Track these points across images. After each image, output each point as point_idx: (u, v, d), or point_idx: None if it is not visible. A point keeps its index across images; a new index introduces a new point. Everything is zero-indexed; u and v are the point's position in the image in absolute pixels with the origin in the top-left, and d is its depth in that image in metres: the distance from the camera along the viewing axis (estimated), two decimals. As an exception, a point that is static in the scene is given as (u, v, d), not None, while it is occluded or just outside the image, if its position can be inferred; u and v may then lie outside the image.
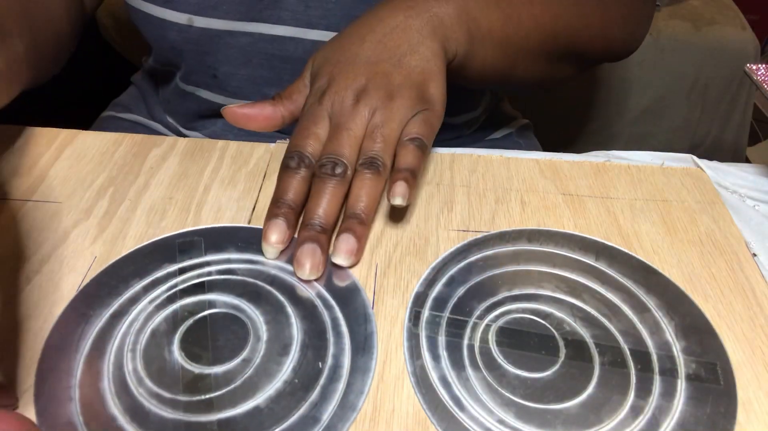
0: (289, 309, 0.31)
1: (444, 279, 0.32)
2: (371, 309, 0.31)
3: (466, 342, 0.30)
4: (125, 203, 0.36)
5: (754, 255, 0.35)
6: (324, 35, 0.47)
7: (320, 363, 0.28)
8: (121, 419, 0.26)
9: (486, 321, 0.31)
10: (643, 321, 0.31)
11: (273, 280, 0.32)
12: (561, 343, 0.30)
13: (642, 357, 0.29)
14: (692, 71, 1.14)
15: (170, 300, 0.31)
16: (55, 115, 0.55)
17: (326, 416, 0.26)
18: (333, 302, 0.31)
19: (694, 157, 0.43)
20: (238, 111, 0.38)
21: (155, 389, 0.27)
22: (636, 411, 0.27)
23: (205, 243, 0.34)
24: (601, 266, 0.34)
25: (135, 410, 0.26)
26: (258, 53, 0.48)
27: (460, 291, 0.32)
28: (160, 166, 0.39)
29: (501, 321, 0.31)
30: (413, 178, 0.34)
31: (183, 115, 0.56)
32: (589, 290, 0.32)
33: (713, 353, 0.30)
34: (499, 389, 0.28)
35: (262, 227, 0.34)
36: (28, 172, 0.38)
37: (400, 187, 0.33)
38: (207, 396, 0.27)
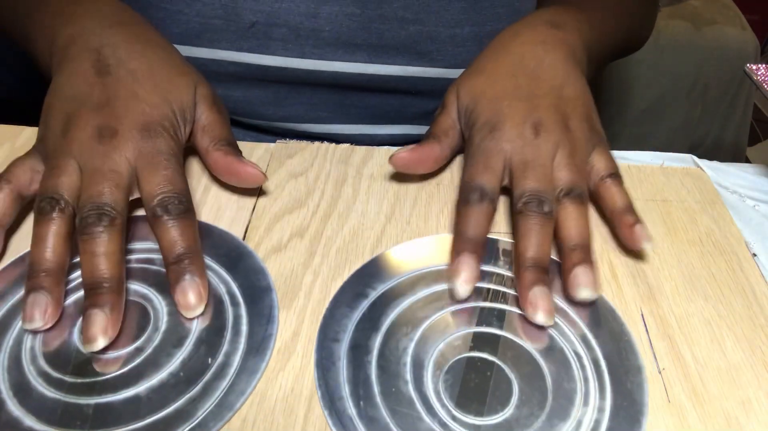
0: None
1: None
2: (276, 311, 0.31)
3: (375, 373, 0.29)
4: (125, 203, 0.36)
5: (754, 255, 0.35)
6: (317, 65, 0.46)
7: (210, 359, 0.29)
8: (5, 393, 0.27)
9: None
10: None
11: None
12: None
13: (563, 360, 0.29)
14: (692, 71, 1.14)
15: None
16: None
17: (201, 412, 0.26)
18: (241, 300, 0.31)
19: (694, 157, 0.43)
20: (407, 156, 0.37)
21: (45, 368, 0.28)
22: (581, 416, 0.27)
23: (134, 231, 0.34)
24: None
25: (20, 386, 0.27)
26: (249, 78, 0.47)
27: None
28: (160, 166, 0.39)
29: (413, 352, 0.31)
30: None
31: None
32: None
33: (617, 334, 0.30)
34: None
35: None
36: (28, 172, 0.38)
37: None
38: (91, 380, 0.27)
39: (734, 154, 1.24)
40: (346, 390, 0.28)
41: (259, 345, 0.29)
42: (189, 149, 0.41)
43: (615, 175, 0.36)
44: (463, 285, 0.31)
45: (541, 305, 0.30)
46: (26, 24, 0.41)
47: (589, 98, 0.38)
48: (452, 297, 0.32)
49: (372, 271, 0.33)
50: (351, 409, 0.27)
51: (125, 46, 0.36)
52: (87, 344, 0.28)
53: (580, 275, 0.31)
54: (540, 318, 0.30)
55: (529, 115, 0.35)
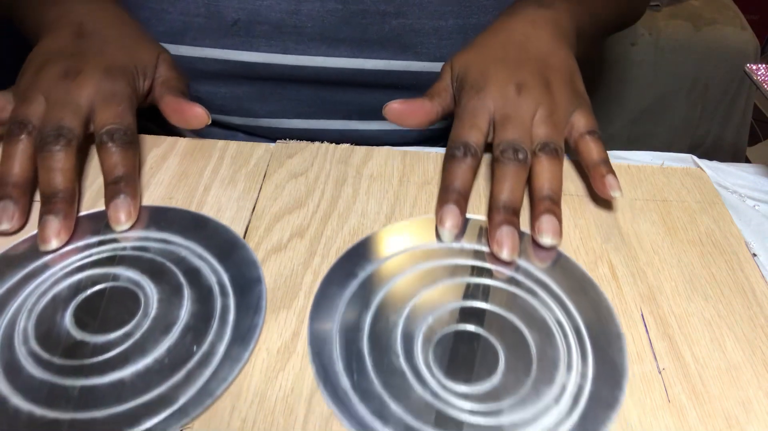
0: (185, 291, 0.31)
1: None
2: (264, 302, 0.31)
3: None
4: (125, 203, 0.36)
5: (754, 255, 0.35)
6: (300, 60, 0.46)
7: (195, 347, 0.29)
8: None
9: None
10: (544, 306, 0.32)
11: (180, 261, 0.33)
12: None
13: (548, 333, 0.30)
14: (692, 71, 1.14)
15: (80, 269, 0.32)
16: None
17: (182, 398, 0.27)
18: (230, 290, 0.32)
19: (694, 157, 0.43)
20: (398, 107, 0.39)
21: (35, 349, 0.28)
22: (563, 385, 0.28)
23: (134, 222, 0.35)
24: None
25: (10, 366, 0.28)
26: (233, 75, 0.48)
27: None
28: (160, 166, 0.39)
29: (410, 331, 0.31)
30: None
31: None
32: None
33: (597, 303, 0.32)
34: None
35: (188, 209, 0.36)
36: (28, 172, 0.38)
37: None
38: (79, 362, 0.28)
39: (734, 154, 1.24)
40: (339, 365, 0.28)
41: (244, 334, 0.30)
42: (190, 149, 0.41)
43: (593, 132, 0.38)
44: (447, 232, 0.34)
45: (506, 243, 0.33)
46: (19, 6, 0.45)
47: (574, 66, 0.40)
48: (440, 239, 0.35)
49: (361, 252, 0.34)
50: (345, 382, 0.28)
51: (103, 22, 0.41)
52: (42, 244, 0.32)
53: (545, 222, 0.34)
54: (504, 254, 0.33)
55: (512, 76, 0.38)
